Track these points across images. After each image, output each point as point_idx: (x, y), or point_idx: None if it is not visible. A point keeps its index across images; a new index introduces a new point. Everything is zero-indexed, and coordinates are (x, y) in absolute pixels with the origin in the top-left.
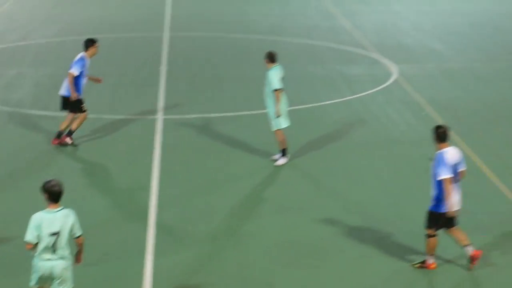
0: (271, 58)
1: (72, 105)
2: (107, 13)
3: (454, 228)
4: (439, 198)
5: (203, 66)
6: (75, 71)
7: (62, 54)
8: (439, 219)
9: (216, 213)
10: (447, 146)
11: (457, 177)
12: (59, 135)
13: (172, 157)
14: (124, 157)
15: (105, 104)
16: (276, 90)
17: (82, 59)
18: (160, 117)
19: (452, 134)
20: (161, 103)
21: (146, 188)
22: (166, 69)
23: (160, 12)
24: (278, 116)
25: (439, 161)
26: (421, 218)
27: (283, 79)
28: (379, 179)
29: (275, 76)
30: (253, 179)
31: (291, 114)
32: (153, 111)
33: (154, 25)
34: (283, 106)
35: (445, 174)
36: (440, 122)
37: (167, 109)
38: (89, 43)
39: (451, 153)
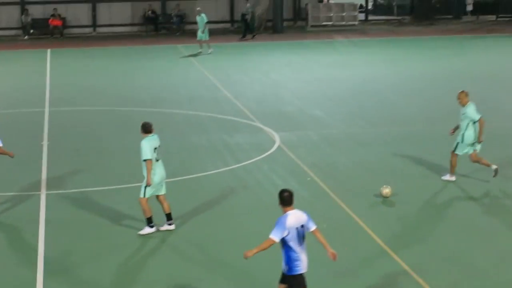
0: (144, 128)
1: None
2: None
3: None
4: (291, 261)
5: (86, 139)
6: None
7: None
8: (299, 281)
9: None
10: (291, 209)
11: (303, 237)
12: None
13: (56, 232)
14: (9, 233)
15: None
16: (145, 160)
17: None
18: (43, 193)
19: (333, 196)
20: (44, 178)
21: (33, 263)
22: (48, 143)
23: (39, 88)
24: (148, 185)
25: (279, 223)
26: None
27: (156, 149)
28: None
29: (147, 146)
30: (137, 250)
31: (177, 184)
32: (36, 187)
33: (34, 101)
34: (157, 175)
35: (274, 236)
36: (324, 186)
37: (50, 184)
38: None
39: (295, 216)
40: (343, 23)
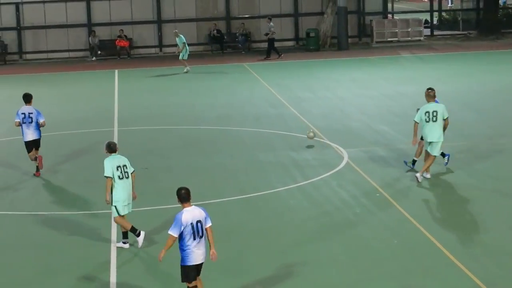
0: (109, 148)
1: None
2: (53, 112)
3: (198, 276)
4: (183, 253)
5: (154, 158)
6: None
7: (11, 154)
8: (189, 271)
9: None
10: (189, 206)
11: (200, 233)
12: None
13: (126, 251)
14: (81, 253)
15: (56, 202)
16: (105, 177)
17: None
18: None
19: (402, 212)
20: None
21: (105, 283)
22: None
23: (108, 108)
24: (109, 204)
25: (175, 219)
26: None
27: (119, 168)
28: (335, 262)
29: (108, 165)
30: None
31: (246, 202)
32: (107, 206)
33: (103, 120)
34: (124, 192)
35: (172, 232)
36: (393, 202)
37: None
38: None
39: (191, 212)
40: (409, 38)
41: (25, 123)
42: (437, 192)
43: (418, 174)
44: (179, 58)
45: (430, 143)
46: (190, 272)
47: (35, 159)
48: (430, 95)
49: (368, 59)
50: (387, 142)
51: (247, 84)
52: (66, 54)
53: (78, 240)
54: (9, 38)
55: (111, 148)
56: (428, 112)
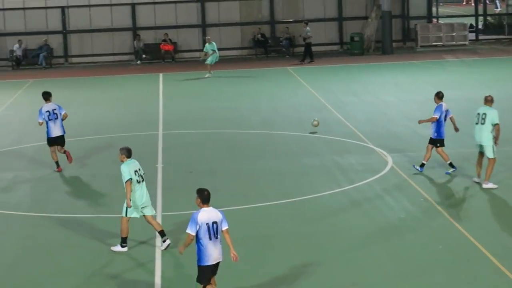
0: (128, 153)
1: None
2: (99, 115)
3: (213, 277)
4: (199, 252)
5: (198, 161)
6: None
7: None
8: (204, 271)
9: None
10: (207, 207)
11: (216, 234)
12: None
13: (172, 253)
14: (125, 253)
15: (103, 204)
16: (126, 181)
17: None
18: (159, 214)
19: (447, 217)
20: (159, 200)
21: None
22: (162, 166)
23: (152, 112)
24: (129, 207)
25: (192, 218)
26: None
27: (137, 172)
28: (379, 267)
29: (126, 170)
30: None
31: (291, 206)
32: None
33: (148, 124)
34: (137, 198)
35: (189, 230)
36: (438, 207)
37: (165, 206)
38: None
39: (207, 212)
40: (453, 43)
41: (51, 119)
42: (483, 198)
43: (484, 183)
44: (206, 62)
45: (480, 145)
46: (205, 272)
47: (64, 152)
48: (488, 99)
49: (413, 64)
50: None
51: (291, 88)
52: (111, 58)
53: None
54: (55, 42)
55: (130, 153)
56: (478, 114)
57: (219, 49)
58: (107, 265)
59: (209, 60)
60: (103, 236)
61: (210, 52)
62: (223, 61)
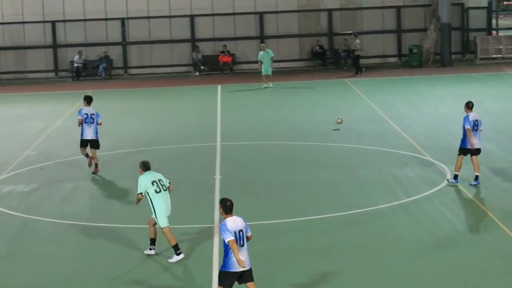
0: (144, 166)
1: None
2: (157, 126)
3: (250, 283)
4: (225, 258)
5: (256, 173)
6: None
7: (116, 167)
8: (227, 277)
9: None
10: (231, 216)
11: (242, 241)
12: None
13: None
14: (182, 265)
15: None
16: (138, 193)
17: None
18: (216, 225)
19: (507, 231)
20: (216, 211)
21: None
22: (220, 177)
23: (210, 123)
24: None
25: (222, 227)
26: None
27: (155, 182)
28: (438, 279)
29: (142, 182)
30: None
31: (347, 218)
32: (209, 220)
33: (206, 136)
34: (162, 206)
35: (228, 237)
36: (496, 220)
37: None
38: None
39: (233, 221)
40: None
41: (86, 123)
42: None
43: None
44: (268, 73)
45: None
46: (227, 278)
47: (87, 155)
48: None
49: (472, 76)
50: (491, 160)
51: (349, 100)
52: (170, 69)
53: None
54: (115, 53)
55: (146, 167)
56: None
57: (277, 61)
58: (164, 277)
59: (268, 71)
60: (162, 248)
61: (269, 61)
62: (281, 73)
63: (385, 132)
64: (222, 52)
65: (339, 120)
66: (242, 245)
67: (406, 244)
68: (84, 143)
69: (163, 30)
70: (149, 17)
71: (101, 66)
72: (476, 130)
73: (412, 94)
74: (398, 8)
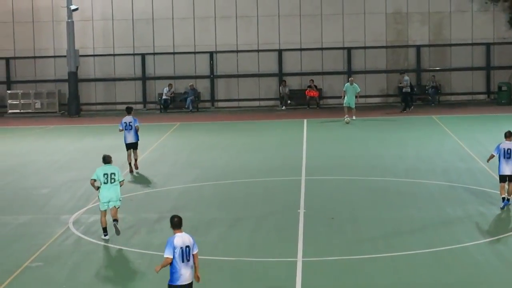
0: (104, 159)
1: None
2: (243, 159)
3: None
4: (171, 273)
5: (340, 208)
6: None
7: (202, 199)
8: None
9: None
10: (180, 232)
11: (188, 257)
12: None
13: None
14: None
15: (244, 247)
16: (92, 179)
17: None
18: (299, 260)
19: None
20: (300, 245)
21: None
22: (304, 211)
23: (296, 157)
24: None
25: (168, 242)
26: None
27: (106, 175)
28: None
29: (98, 171)
30: None
31: (433, 256)
32: (293, 254)
33: (291, 170)
34: (103, 196)
35: (166, 254)
36: None
37: (306, 251)
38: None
39: (181, 237)
40: None
41: (127, 129)
42: None
43: None
44: (350, 106)
45: None
46: None
47: (130, 163)
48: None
49: None
50: None
51: (436, 137)
52: (256, 103)
53: None
54: (202, 86)
55: (104, 160)
56: None
57: (364, 96)
58: None
59: (346, 102)
60: (243, 279)
61: (349, 93)
62: (368, 108)
63: (472, 169)
64: (309, 86)
65: (347, 120)
66: (188, 260)
67: (492, 284)
68: (128, 146)
69: (251, 64)
70: (237, 51)
71: (188, 99)
72: (509, 158)
73: (500, 132)
74: (488, 45)
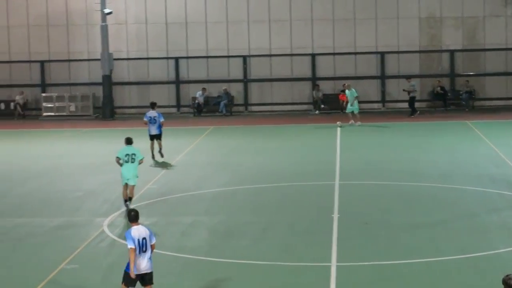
0: (126, 141)
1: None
2: (277, 163)
3: (148, 286)
4: (128, 262)
5: (374, 213)
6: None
7: (235, 202)
8: (127, 278)
9: None
10: (136, 225)
11: (144, 247)
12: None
13: None
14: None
15: (277, 251)
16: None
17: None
18: (333, 264)
19: None
20: (334, 250)
21: None
22: (338, 216)
23: (329, 162)
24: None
25: (126, 235)
26: None
27: (128, 155)
28: None
29: (121, 151)
30: None
31: (467, 262)
32: (326, 259)
33: (325, 174)
34: (124, 172)
35: (129, 245)
36: None
37: (340, 256)
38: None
39: (137, 230)
40: None
41: (151, 122)
42: None
43: None
44: (347, 111)
45: None
46: (130, 278)
47: (153, 156)
48: None
49: None
50: None
51: (470, 142)
52: (289, 107)
53: None
54: (235, 90)
55: (127, 141)
56: None
57: (398, 101)
58: None
59: (350, 109)
60: (276, 283)
61: (352, 99)
62: (401, 113)
63: (507, 175)
64: (343, 91)
65: (339, 123)
66: (145, 251)
67: None
68: (151, 137)
69: (284, 68)
70: (270, 55)
71: (222, 103)
72: None
73: None
74: None
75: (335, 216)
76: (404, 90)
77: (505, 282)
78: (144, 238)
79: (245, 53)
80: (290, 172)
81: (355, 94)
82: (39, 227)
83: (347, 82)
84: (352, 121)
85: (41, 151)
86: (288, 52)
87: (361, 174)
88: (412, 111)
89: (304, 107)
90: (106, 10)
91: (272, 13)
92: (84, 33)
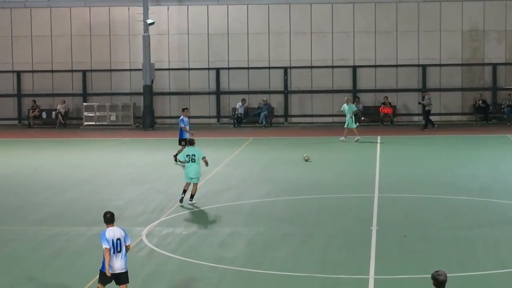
0: (189, 142)
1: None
2: (316, 175)
3: (123, 285)
4: (104, 261)
5: (413, 226)
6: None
7: (274, 214)
8: (103, 276)
9: None
10: (112, 226)
11: (119, 248)
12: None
13: None
14: None
15: (315, 263)
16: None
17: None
18: (371, 277)
19: None
20: (372, 262)
21: None
22: (377, 228)
23: (369, 174)
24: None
25: (101, 236)
26: None
27: (189, 156)
28: None
29: (184, 153)
30: None
31: (507, 276)
32: (365, 271)
33: (364, 187)
34: (187, 171)
35: (104, 245)
36: None
37: (378, 269)
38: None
39: (112, 231)
40: None
41: (186, 126)
42: None
43: None
44: (345, 126)
45: None
46: (105, 277)
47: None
48: None
49: None
50: None
51: (511, 156)
52: (330, 119)
53: None
54: (275, 101)
55: (190, 143)
56: None
57: (439, 113)
58: None
59: (349, 124)
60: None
61: (350, 114)
62: (443, 126)
63: None
64: (383, 103)
65: (306, 157)
66: (119, 251)
67: None
68: (181, 140)
69: (325, 80)
70: (311, 67)
71: (262, 114)
72: None
73: None
74: None
75: (374, 228)
76: (419, 103)
77: (434, 277)
78: (118, 239)
79: (286, 64)
80: (329, 184)
81: (354, 109)
82: (78, 236)
83: (347, 97)
84: (358, 137)
85: (81, 160)
86: (329, 64)
87: (400, 187)
88: (426, 124)
89: (344, 119)
90: (149, 21)
91: (313, 25)
92: (126, 43)
